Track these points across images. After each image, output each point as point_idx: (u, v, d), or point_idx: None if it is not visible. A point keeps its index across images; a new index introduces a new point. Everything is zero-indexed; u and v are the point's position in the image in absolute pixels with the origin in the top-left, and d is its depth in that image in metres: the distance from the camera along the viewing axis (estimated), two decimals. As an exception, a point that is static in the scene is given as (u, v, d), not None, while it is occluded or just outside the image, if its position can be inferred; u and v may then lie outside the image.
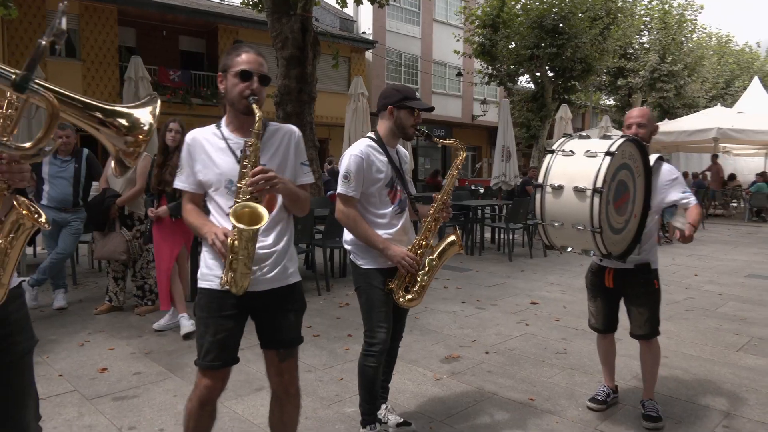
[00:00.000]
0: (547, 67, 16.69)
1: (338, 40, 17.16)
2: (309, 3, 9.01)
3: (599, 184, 2.39)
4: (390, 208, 2.71)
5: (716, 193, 16.51)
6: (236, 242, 1.93)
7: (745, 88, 20.80)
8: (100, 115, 1.47)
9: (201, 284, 2.15)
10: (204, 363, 2.10)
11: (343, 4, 11.32)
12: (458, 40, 19.26)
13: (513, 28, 16.19)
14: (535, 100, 17.88)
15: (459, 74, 23.15)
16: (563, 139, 2.77)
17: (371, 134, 2.79)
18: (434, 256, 2.70)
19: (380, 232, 2.67)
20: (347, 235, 2.77)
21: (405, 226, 2.78)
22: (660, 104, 22.39)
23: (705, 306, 5.75)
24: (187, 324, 4.49)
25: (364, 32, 20.76)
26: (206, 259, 2.15)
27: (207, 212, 2.20)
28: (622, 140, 2.56)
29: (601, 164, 2.42)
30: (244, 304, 2.11)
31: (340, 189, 2.64)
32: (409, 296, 2.68)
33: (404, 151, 2.93)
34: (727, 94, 25.58)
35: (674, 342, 4.51)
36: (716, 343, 4.54)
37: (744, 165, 20.60)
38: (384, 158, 2.70)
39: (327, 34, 11.91)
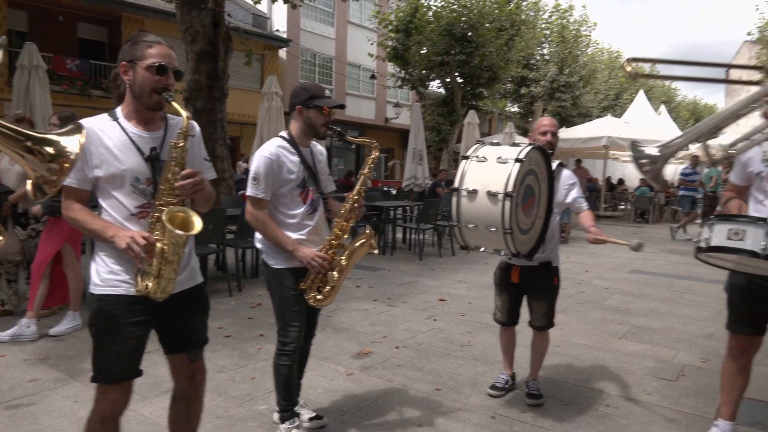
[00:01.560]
0: (456, 74, 17.34)
1: (251, 37, 16.84)
2: (221, -3, 8.81)
3: (510, 189, 2.59)
4: (302, 209, 2.74)
5: (600, 192, 17.83)
6: (167, 247, 1.88)
7: (632, 101, 22.74)
8: (29, 143, 1.43)
9: (104, 291, 1.98)
10: (111, 376, 1.98)
11: (257, 0, 11.17)
12: (372, 44, 19.53)
13: (425, 34, 16.68)
14: (445, 105, 18.51)
15: (372, 77, 23.47)
16: (477, 145, 2.96)
17: (284, 134, 2.80)
18: (344, 257, 2.75)
19: (292, 233, 2.70)
20: (259, 235, 2.78)
21: (318, 226, 2.81)
22: (559, 113, 23.91)
23: (594, 299, 6.30)
24: (28, 332, 4.31)
25: (277, 30, 20.50)
26: (107, 263, 1.99)
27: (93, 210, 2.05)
28: (529, 148, 2.79)
29: (511, 170, 2.62)
30: (154, 309, 2.01)
31: (249, 191, 2.65)
32: (320, 296, 2.73)
33: (320, 148, 2.96)
34: (616, 105, 27.79)
35: (566, 332, 4.91)
36: (602, 332, 5.00)
37: (630, 171, 22.54)
38: (296, 158, 2.72)
39: (240, 30, 11.68)
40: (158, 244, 1.89)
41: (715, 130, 1.09)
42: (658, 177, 1.17)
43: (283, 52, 20.49)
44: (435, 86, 20.03)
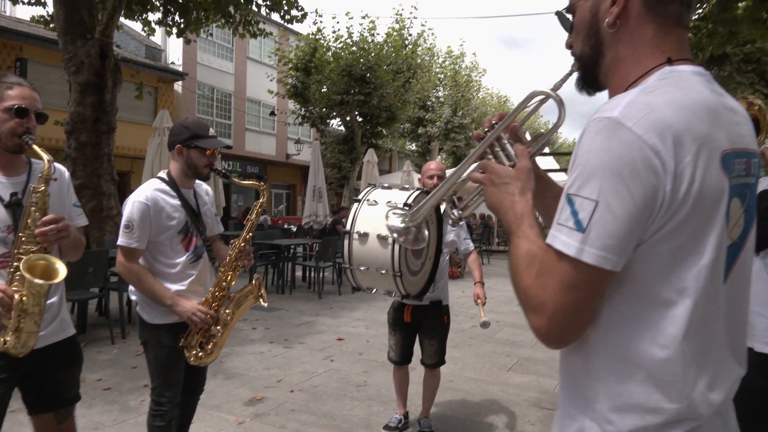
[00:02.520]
0: (356, 113, 17.75)
1: (143, 69, 16.23)
2: (109, 27, 8.45)
3: None
4: (183, 257, 2.52)
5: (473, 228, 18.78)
6: (26, 298, 1.74)
7: (519, 142, 24.43)
8: None
9: None
10: None
11: (150, 31, 10.83)
12: (272, 80, 19.53)
13: (324, 73, 16.98)
14: (345, 143, 18.80)
15: (272, 113, 23.38)
16: (368, 188, 3.02)
17: (163, 174, 2.60)
18: (229, 309, 2.59)
19: (171, 284, 2.48)
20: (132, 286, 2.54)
21: (201, 275, 2.61)
22: (454, 152, 25.14)
23: (485, 332, 6.56)
24: None
25: (173, 63, 19.90)
26: None
27: None
28: (417, 192, 2.91)
29: None
30: (16, 366, 1.85)
31: (120, 240, 2.40)
32: (201, 353, 2.53)
33: (206, 187, 2.80)
34: (506, 146, 29.74)
35: (459, 367, 5.07)
36: (492, 365, 5.21)
37: (520, 207, 23.99)
38: (176, 202, 2.52)
39: (130, 61, 11.24)
40: (16, 296, 1.75)
41: (453, 193, 1.23)
42: (418, 240, 1.27)
43: (178, 86, 19.88)
44: (335, 124, 20.34)
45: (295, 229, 14.57)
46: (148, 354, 2.55)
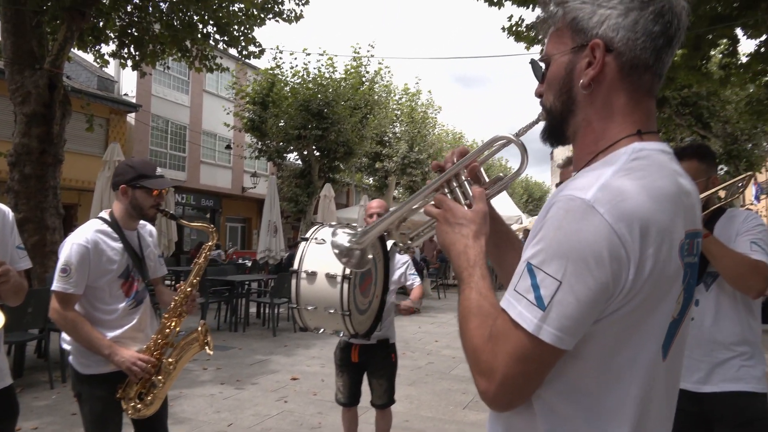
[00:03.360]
0: (313, 147, 17.79)
1: (95, 100, 15.87)
2: (60, 58, 8.26)
3: (348, 271, 2.66)
4: (123, 303, 2.41)
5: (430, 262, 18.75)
6: None
7: (474, 178, 24.95)
8: None
9: None
10: None
11: (104, 63, 10.65)
12: (228, 113, 19.42)
13: (282, 108, 17.02)
14: (303, 177, 18.76)
15: (228, 147, 23.19)
16: (316, 227, 3.01)
17: (104, 215, 2.49)
18: (172, 358, 2.46)
19: (109, 332, 2.35)
20: (66, 335, 2.39)
21: (142, 321, 2.49)
22: (410, 186, 25.42)
23: (442, 369, 6.54)
24: None
25: (126, 94, 19.57)
26: None
27: None
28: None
29: None
30: None
31: (56, 285, 2.27)
32: (140, 405, 2.38)
33: (150, 228, 2.71)
34: (461, 181, 30.33)
35: (415, 405, 5.02)
36: (448, 402, 5.19)
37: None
38: (118, 245, 2.42)
39: (81, 92, 10.99)
40: None
41: (403, 220, 1.22)
42: (361, 264, 1.25)
43: (131, 118, 19.52)
44: (293, 158, 20.31)
45: (249, 265, 14.30)
46: (82, 407, 2.40)
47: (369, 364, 3.42)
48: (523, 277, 0.88)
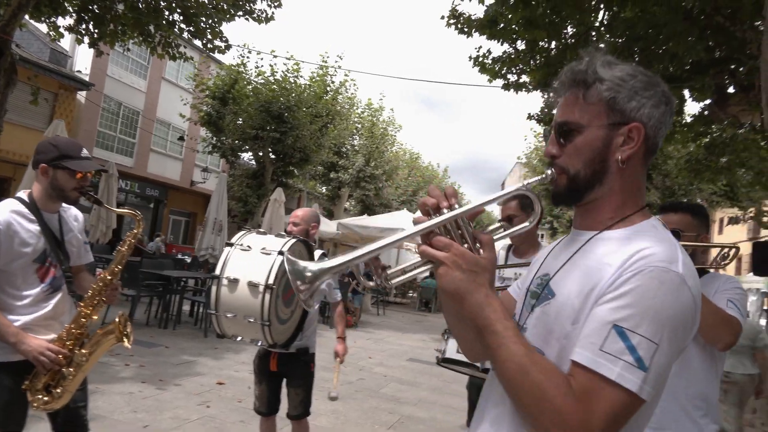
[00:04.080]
0: (269, 149, 17.56)
1: (45, 73, 15.17)
2: (10, 25, 7.85)
3: (271, 281, 2.61)
4: (37, 289, 2.28)
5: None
6: None
7: (426, 199, 25.23)
8: None
9: None
10: None
11: (58, 35, 10.20)
12: (186, 104, 18.95)
13: (242, 106, 16.75)
14: (255, 178, 18.46)
15: (181, 138, 22.59)
16: (243, 233, 2.94)
17: (23, 195, 2.35)
18: (86, 350, 2.33)
19: (18, 317, 2.22)
20: None
21: (57, 308, 2.36)
22: (363, 200, 25.45)
23: (372, 386, 6.52)
24: None
25: (79, 71, 18.80)
26: None
27: None
28: (293, 240, 2.87)
29: (273, 262, 2.64)
30: None
31: None
32: (47, 398, 2.25)
33: (75, 212, 2.56)
34: (413, 200, 30.55)
35: (341, 422, 4.96)
36: (374, 422, 5.16)
37: (420, 262, 24.59)
38: (34, 227, 2.29)
39: (30, 63, 10.48)
40: None
41: (374, 256, 1.07)
42: (308, 302, 1.08)
43: (81, 96, 18.74)
44: (247, 158, 19.97)
45: (189, 261, 13.89)
46: None
47: (287, 374, 3.36)
48: (610, 338, 0.93)
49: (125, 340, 2.39)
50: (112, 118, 20.52)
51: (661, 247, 0.99)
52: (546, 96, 8.50)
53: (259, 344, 2.90)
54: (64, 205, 2.46)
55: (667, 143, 11.89)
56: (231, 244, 2.75)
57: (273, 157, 17.92)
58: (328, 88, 18.75)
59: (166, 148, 23.33)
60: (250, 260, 2.68)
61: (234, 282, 2.62)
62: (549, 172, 1.12)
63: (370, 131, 24.16)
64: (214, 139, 17.92)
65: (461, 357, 2.44)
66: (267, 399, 3.37)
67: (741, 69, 6.99)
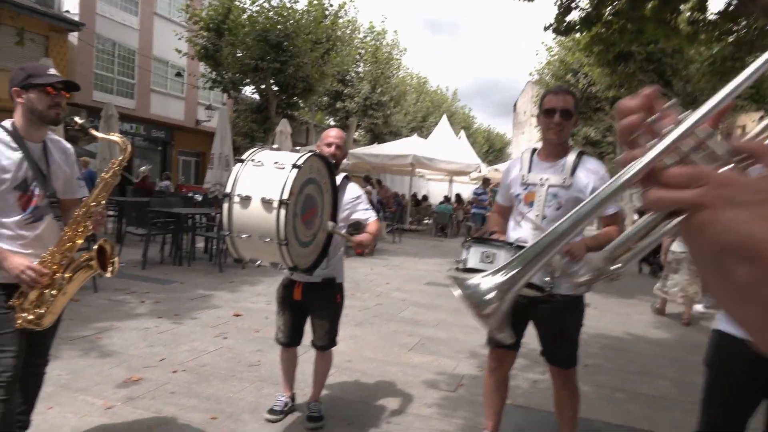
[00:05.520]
0: (271, 81, 16.99)
1: (30, 13, 14.56)
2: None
3: (285, 196, 2.38)
4: (18, 217, 2.31)
5: (406, 207, 18.62)
6: None
7: (436, 124, 24.62)
8: None
9: None
10: None
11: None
12: (181, 39, 18.24)
13: (238, 36, 16.04)
14: (259, 112, 18.02)
15: (179, 74, 21.96)
16: (255, 149, 2.70)
17: (6, 123, 2.35)
18: (69, 274, 2.34)
19: (1, 244, 2.26)
20: None
21: (41, 237, 2.37)
22: (371, 129, 24.94)
23: (390, 311, 6.44)
24: None
25: (67, 11, 18.06)
26: None
27: None
28: (309, 154, 2.61)
29: (288, 176, 2.41)
30: None
31: None
32: (31, 316, 2.28)
33: (65, 145, 2.53)
34: (423, 126, 29.89)
35: (360, 346, 4.89)
36: (393, 344, 5.08)
37: (434, 188, 24.38)
38: (15, 154, 2.29)
39: (12, 3, 9.98)
40: None
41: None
42: (501, 327, 0.59)
43: (74, 37, 18.09)
44: (249, 92, 19.43)
45: (200, 199, 13.78)
46: None
47: (312, 304, 3.18)
48: None
49: (111, 268, 2.30)
50: (107, 59, 19.92)
51: None
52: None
53: (279, 268, 2.72)
54: (52, 136, 2.47)
55: (690, 45, 11.18)
56: (242, 160, 2.51)
57: (276, 89, 17.38)
58: (327, 12, 17.83)
59: (167, 87, 22.77)
60: (262, 176, 2.44)
61: (246, 199, 2.40)
62: None
63: (374, 56, 23.27)
64: (214, 73, 17.34)
65: (487, 266, 2.22)
66: (290, 330, 3.22)
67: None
